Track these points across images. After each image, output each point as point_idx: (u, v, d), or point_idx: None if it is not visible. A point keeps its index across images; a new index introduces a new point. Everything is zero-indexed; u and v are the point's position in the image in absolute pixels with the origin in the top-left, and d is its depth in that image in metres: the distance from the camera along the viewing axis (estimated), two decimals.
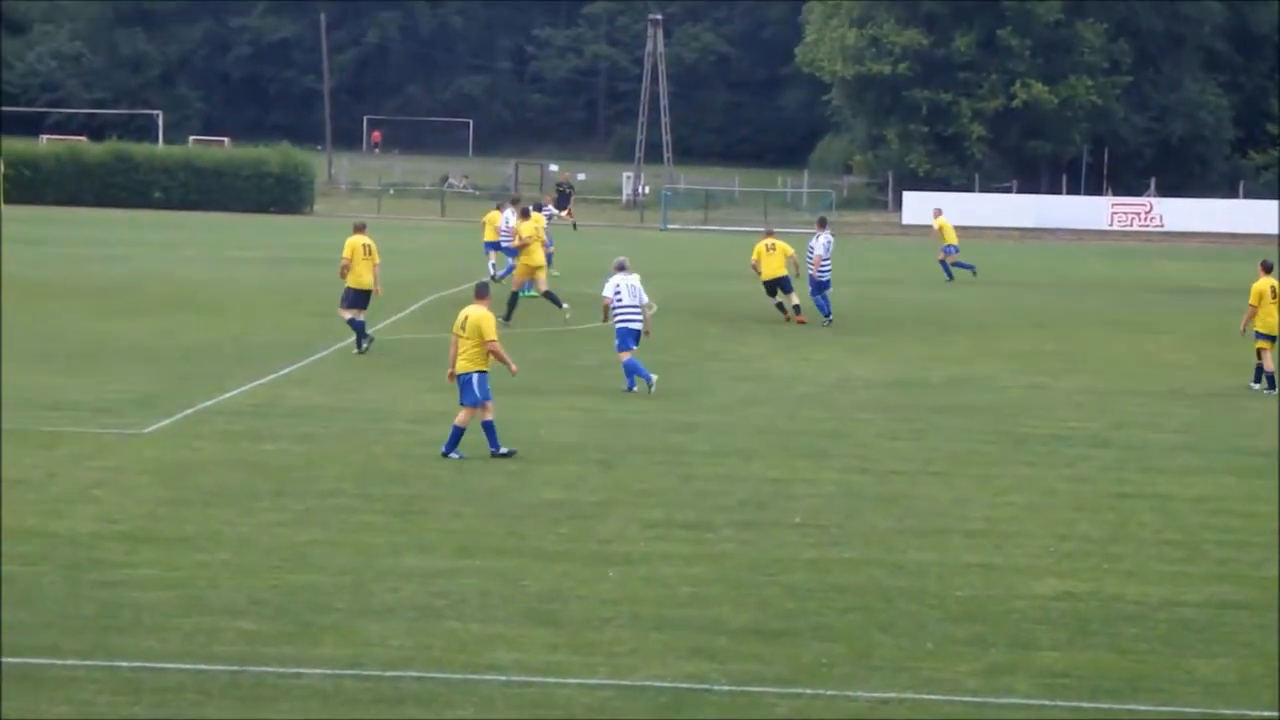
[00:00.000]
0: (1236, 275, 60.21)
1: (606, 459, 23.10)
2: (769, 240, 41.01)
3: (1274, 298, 30.93)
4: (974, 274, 55.37)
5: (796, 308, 40.90)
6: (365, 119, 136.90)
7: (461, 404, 23.12)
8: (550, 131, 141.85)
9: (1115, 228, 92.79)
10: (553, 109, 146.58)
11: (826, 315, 40.62)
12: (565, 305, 38.54)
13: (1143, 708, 13.73)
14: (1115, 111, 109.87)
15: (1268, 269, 31.55)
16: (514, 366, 23.76)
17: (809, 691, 13.82)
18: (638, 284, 30.08)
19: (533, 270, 38.83)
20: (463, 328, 23.20)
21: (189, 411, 25.91)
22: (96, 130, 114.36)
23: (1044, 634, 15.56)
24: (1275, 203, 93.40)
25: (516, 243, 39.28)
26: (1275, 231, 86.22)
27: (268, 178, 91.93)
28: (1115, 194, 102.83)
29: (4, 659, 13.96)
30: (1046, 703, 13.76)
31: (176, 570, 16.87)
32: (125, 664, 13.98)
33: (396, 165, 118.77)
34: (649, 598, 16.36)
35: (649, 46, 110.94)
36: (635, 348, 29.70)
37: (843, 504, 20.72)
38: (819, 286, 41.01)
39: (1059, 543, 19.04)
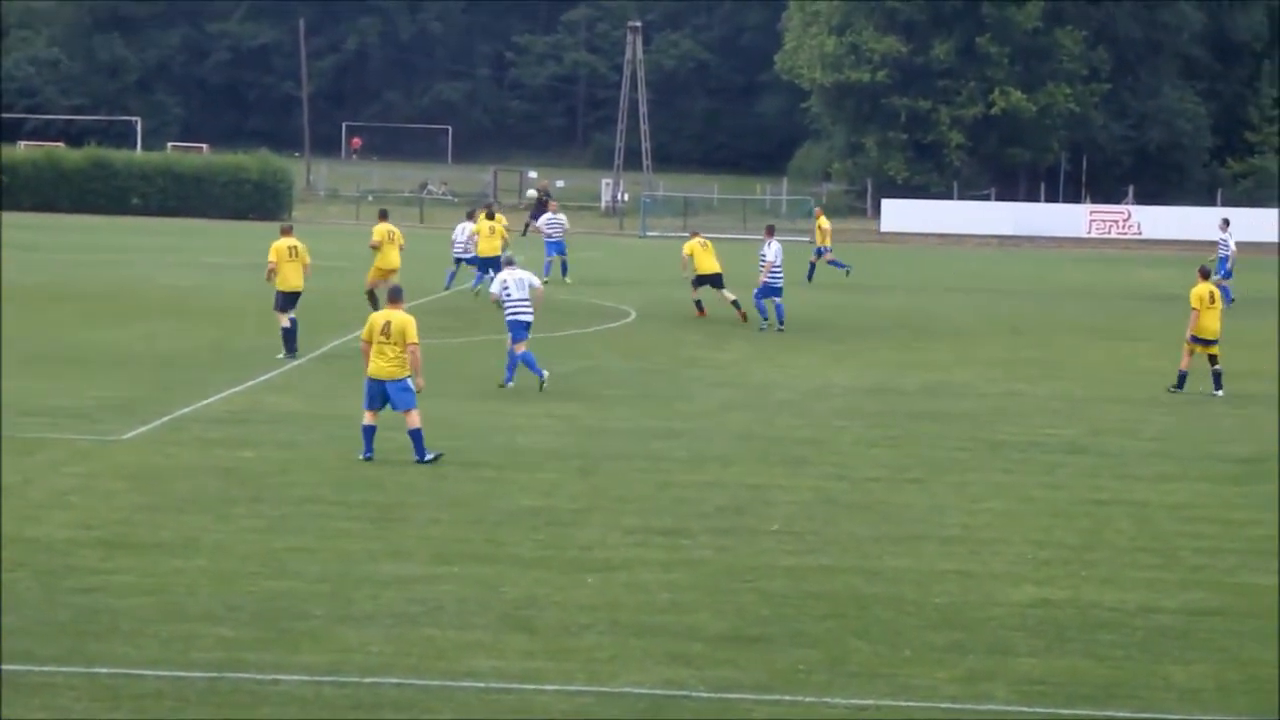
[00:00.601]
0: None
1: (584, 466, 23.12)
2: (701, 239, 43.12)
3: (1212, 302, 31.68)
4: (847, 274, 55.99)
5: (735, 302, 42.03)
6: (344, 125, 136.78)
7: (405, 409, 22.93)
8: (530, 138, 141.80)
9: (1093, 235, 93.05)
10: (532, 116, 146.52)
11: (780, 322, 40.94)
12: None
13: (1119, 714, 13.77)
14: (1094, 119, 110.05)
15: (1205, 274, 32.46)
16: (422, 380, 23.44)
17: (786, 698, 13.84)
18: (525, 277, 30.70)
19: (386, 273, 39.04)
20: (385, 333, 23.00)
21: (167, 418, 25.89)
22: (74, 136, 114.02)
23: (1021, 641, 15.60)
24: (1255, 210, 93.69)
25: (372, 243, 39.72)
26: (1248, 239, 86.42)
27: (246, 184, 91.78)
28: (1093, 201, 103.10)
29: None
30: (1024, 709, 13.80)
31: (154, 576, 16.85)
32: (103, 670, 13.97)
33: (375, 172, 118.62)
34: (627, 604, 16.38)
35: (628, 53, 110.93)
36: (528, 338, 30.17)
37: (820, 511, 20.75)
38: (770, 292, 41.20)
39: (1036, 550, 19.09)
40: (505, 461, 23.23)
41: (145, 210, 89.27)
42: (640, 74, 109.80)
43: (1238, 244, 54.39)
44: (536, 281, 31.20)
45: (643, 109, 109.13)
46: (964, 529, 20.04)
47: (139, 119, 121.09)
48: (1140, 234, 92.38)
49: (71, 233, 72.34)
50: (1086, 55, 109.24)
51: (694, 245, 42.79)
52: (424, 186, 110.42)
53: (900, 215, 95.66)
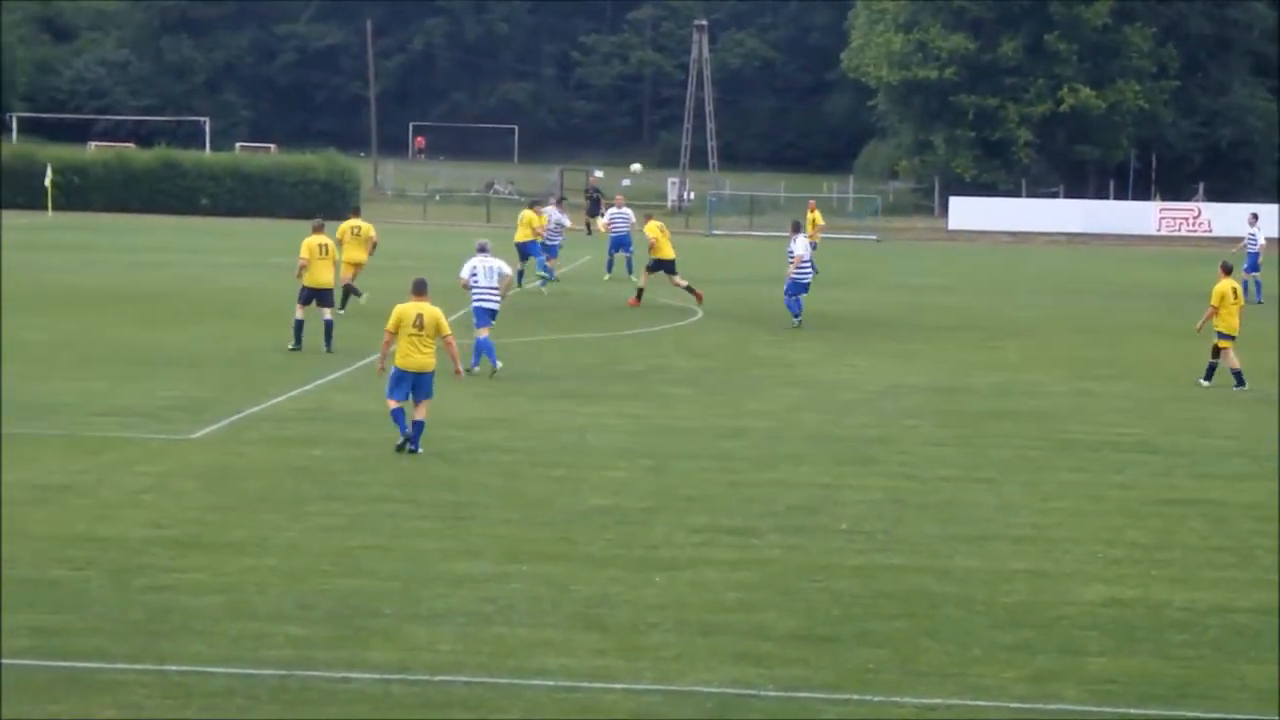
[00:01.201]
0: None
1: (654, 465, 23.11)
2: (661, 224, 45.02)
3: (1235, 299, 32.05)
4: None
5: (689, 287, 43.84)
6: (411, 125, 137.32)
7: (424, 398, 23.36)
8: (595, 138, 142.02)
9: (1163, 233, 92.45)
10: (598, 115, 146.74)
11: (796, 317, 41.09)
12: (364, 295, 39.96)
13: (1191, 714, 13.67)
14: (1163, 116, 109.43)
15: (1227, 270, 32.80)
16: (461, 368, 24.16)
17: (855, 697, 13.80)
18: (495, 265, 31.54)
19: (353, 267, 40.09)
20: (418, 325, 23.19)
21: (236, 417, 26.01)
22: (144, 137, 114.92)
23: (1091, 640, 15.50)
24: None
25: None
26: None
27: (314, 184, 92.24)
28: (1163, 199, 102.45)
29: (53, 662, 14.04)
30: (1094, 709, 13.71)
31: (224, 575, 16.93)
32: (174, 668, 14.04)
33: (442, 171, 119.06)
34: (695, 603, 16.36)
35: (694, 52, 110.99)
36: (492, 325, 31.02)
37: (889, 510, 20.69)
38: (798, 289, 41.34)
39: (1106, 549, 18.98)
40: (575, 460, 23.24)
41: (214, 210, 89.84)
42: (706, 73, 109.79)
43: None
44: (506, 270, 32.09)
45: (709, 108, 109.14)
46: (1034, 528, 19.94)
47: (207, 119, 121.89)
48: (1211, 231, 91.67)
49: (141, 233, 72.81)
50: (1155, 52, 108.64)
51: (655, 228, 44.24)
52: (490, 186, 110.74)
53: (968, 213, 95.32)
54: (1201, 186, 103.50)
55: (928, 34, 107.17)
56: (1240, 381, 31.69)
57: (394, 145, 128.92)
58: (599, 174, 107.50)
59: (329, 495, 20.66)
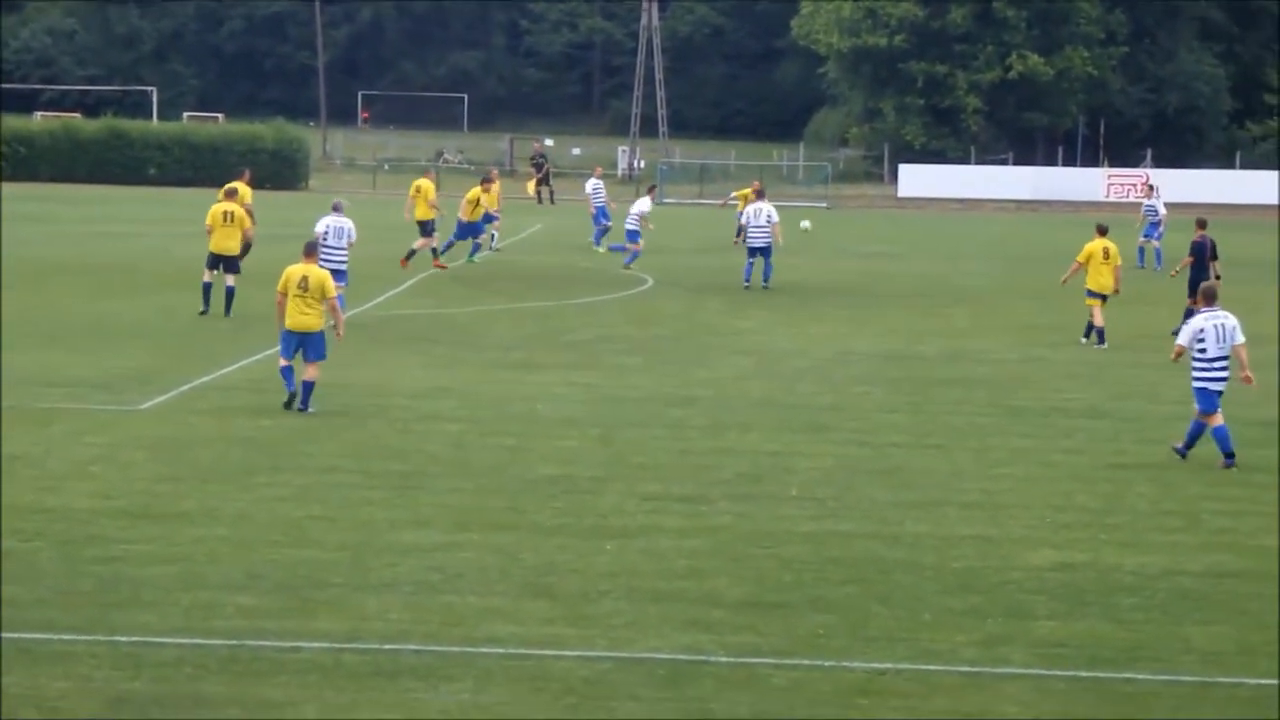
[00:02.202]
0: (1233, 246, 60.09)
1: (604, 434, 23.11)
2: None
3: (1105, 259, 33.06)
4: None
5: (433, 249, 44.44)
6: (360, 94, 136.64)
7: (314, 360, 23.89)
8: (545, 106, 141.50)
9: (1111, 199, 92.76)
10: (547, 84, 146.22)
11: (765, 280, 42.07)
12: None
13: (1140, 676, 13.75)
14: (1111, 83, 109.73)
15: (1102, 231, 33.76)
16: (341, 330, 24.50)
17: (805, 663, 13.84)
18: (346, 225, 32.94)
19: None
20: (303, 287, 23.75)
21: (185, 388, 25.91)
22: (91, 107, 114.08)
23: (1041, 604, 15.58)
24: (1274, 173, 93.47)
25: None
26: (1268, 201, 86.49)
27: (262, 154, 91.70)
28: (1111, 165, 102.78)
29: (2, 634, 13.96)
30: (1043, 672, 13.78)
31: (174, 546, 16.87)
32: (124, 639, 13.99)
33: (391, 141, 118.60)
34: (646, 571, 16.38)
35: (644, 20, 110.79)
36: (344, 285, 31.70)
37: (840, 477, 20.74)
38: (751, 252, 42.34)
39: (1056, 514, 19.06)
40: (525, 430, 23.23)
41: (162, 180, 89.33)
42: (656, 41, 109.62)
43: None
44: (354, 234, 33.41)
45: (659, 76, 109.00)
46: (984, 494, 20.02)
47: (155, 89, 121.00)
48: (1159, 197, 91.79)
49: (88, 204, 72.39)
50: (1104, 19, 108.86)
51: (426, 184, 44.78)
52: (440, 155, 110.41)
53: (917, 180, 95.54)
54: (1149, 153, 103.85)
55: (877, 1, 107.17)
56: (1101, 340, 32.79)
57: (343, 114, 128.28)
58: (548, 142, 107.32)
59: (278, 465, 20.61)
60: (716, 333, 34.12)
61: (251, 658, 13.66)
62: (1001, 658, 14.09)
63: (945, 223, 78.96)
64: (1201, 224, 36.22)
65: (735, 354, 31.12)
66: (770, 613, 15.13)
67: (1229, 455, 21.73)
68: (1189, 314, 33.29)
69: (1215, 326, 21.93)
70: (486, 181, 47.52)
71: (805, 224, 47.20)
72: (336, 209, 33.88)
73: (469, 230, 46.39)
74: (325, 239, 32.11)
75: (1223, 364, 21.97)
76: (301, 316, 23.83)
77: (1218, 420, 21.86)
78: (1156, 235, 52.32)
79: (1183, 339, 22.25)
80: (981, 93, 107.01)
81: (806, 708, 12.90)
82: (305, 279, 23.84)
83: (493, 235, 50.18)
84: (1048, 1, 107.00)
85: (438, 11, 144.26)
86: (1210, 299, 22.45)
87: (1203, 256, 34.77)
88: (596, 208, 53.64)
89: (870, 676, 13.59)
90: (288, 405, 23.76)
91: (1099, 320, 33.09)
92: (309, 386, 23.74)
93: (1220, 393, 21.93)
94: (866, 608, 15.34)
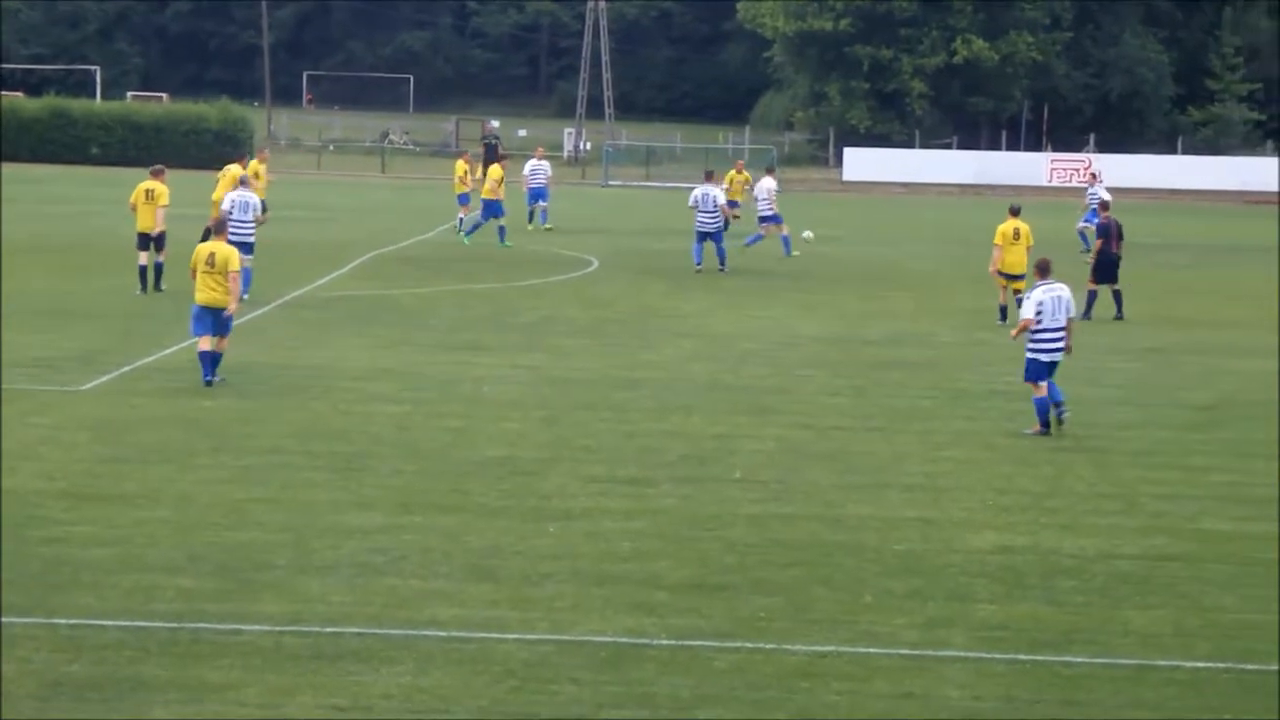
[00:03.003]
0: (1175, 231, 60.58)
1: (548, 416, 23.11)
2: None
3: (1015, 239, 33.50)
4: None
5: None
6: (305, 75, 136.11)
7: (223, 334, 24.61)
8: (492, 87, 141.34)
9: (1054, 184, 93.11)
10: (494, 65, 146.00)
11: (721, 263, 42.30)
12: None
13: (1079, 660, 13.84)
14: (1056, 68, 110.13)
15: (1015, 212, 34.25)
16: (234, 305, 24.91)
17: (748, 645, 13.88)
18: (251, 200, 33.74)
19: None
20: (210, 264, 24.44)
21: (128, 368, 25.81)
22: (34, 86, 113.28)
23: (981, 587, 15.67)
24: (1215, 159, 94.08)
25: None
26: (1209, 187, 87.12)
27: (207, 134, 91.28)
28: (1054, 150, 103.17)
29: None
30: (984, 655, 13.86)
31: (115, 528, 16.81)
32: (64, 621, 13.94)
33: (337, 121, 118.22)
34: (589, 553, 16.40)
35: (590, 2, 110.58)
36: (250, 258, 32.06)
37: (783, 460, 20.79)
38: (700, 236, 42.29)
39: (997, 497, 19.16)
40: (469, 412, 23.22)
41: (105, 160, 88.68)
42: (603, 23, 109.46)
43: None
44: (259, 210, 34.06)
45: (605, 58, 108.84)
46: (926, 477, 20.11)
47: (98, 68, 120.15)
48: (1101, 182, 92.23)
49: (30, 183, 71.86)
50: (1049, 4, 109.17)
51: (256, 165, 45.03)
52: (385, 136, 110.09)
53: (862, 164, 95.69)
54: (1093, 138, 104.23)
55: None
56: (1003, 318, 33.23)
57: (288, 95, 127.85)
58: (495, 123, 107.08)
59: (220, 447, 20.55)
60: (662, 315, 34.14)
61: (192, 640, 13.63)
62: (942, 640, 14.16)
63: (889, 206, 79.15)
64: (1104, 206, 37.86)
65: (681, 336, 31.14)
66: (713, 595, 15.17)
67: (1045, 425, 22.57)
68: (1091, 296, 33.99)
69: (1053, 299, 22.74)
70: (500, 159, 49.52)
71: (807, 234, 47.01)
72: (244, 183, 34.75)
73: (492, 209, 47.61)
74: (231, 214, 32.50)
75: (1056, 335, 22.72)
76: (210, 292, 24.47)
77: (1041, 391, 22.60)
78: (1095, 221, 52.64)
79: (1027, 312, 22.76)
80: (926, 77, 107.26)
81: (748, 690, 12.95)
82: (213, 255, 24.60)
83: (460, 218, 50.40)
84: None
85: None
86: (1044, 272, 23.18)
87: (1109, 238, 35.56)
88: (530, 188, 53.60)
89: (812, 659, 13.65)
90: (209, 384, 24.25)
91: (1003, 298, 33.70)
92: (216, 358, 24.48)
93: (1051, 365, 22.66)
94: (809, 590, 15.40)
